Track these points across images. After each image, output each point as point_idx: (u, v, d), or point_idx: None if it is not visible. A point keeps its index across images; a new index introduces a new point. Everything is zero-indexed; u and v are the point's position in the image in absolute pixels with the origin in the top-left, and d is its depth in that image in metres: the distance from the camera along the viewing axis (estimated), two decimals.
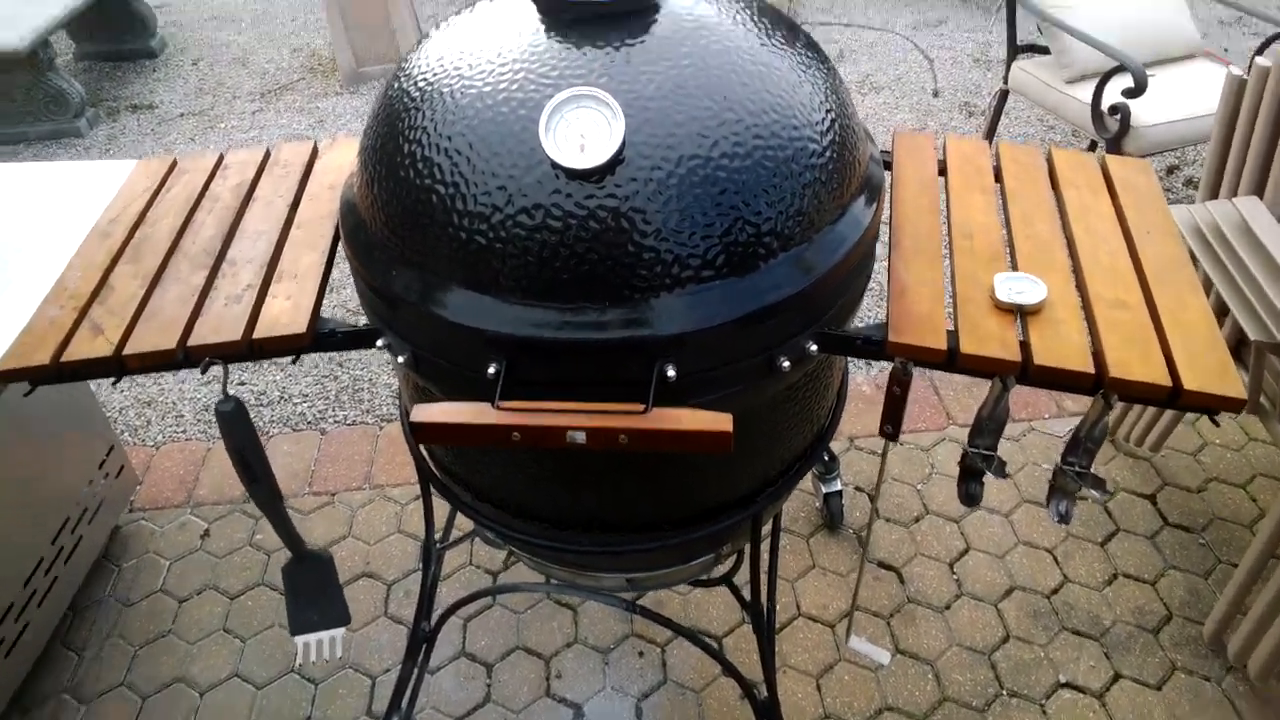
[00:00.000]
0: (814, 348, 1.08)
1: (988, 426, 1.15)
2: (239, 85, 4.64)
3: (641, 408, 0.93)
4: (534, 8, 1.09)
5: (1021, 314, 1.06)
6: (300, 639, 1.48)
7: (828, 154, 1.05)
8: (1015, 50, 3.12)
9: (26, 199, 1.62)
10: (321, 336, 1.16)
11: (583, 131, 0.94)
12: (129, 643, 2.05)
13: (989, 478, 1.18)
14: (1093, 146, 3.46)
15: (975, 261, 1.14)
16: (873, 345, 1.08)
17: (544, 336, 0.98)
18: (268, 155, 1.49)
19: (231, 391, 1.19)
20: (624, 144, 0.94)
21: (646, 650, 2.01)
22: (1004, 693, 1.90)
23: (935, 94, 4.07)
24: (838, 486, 2.22)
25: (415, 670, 1.75)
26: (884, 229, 1.37)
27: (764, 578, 1.48)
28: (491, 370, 1.01)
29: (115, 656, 2.01)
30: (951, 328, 1.07)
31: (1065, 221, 1.21)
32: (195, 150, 4.03)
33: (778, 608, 2.02)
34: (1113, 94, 2.65)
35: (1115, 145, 2.72)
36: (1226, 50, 4.17)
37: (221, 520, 2.34)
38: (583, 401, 1.02)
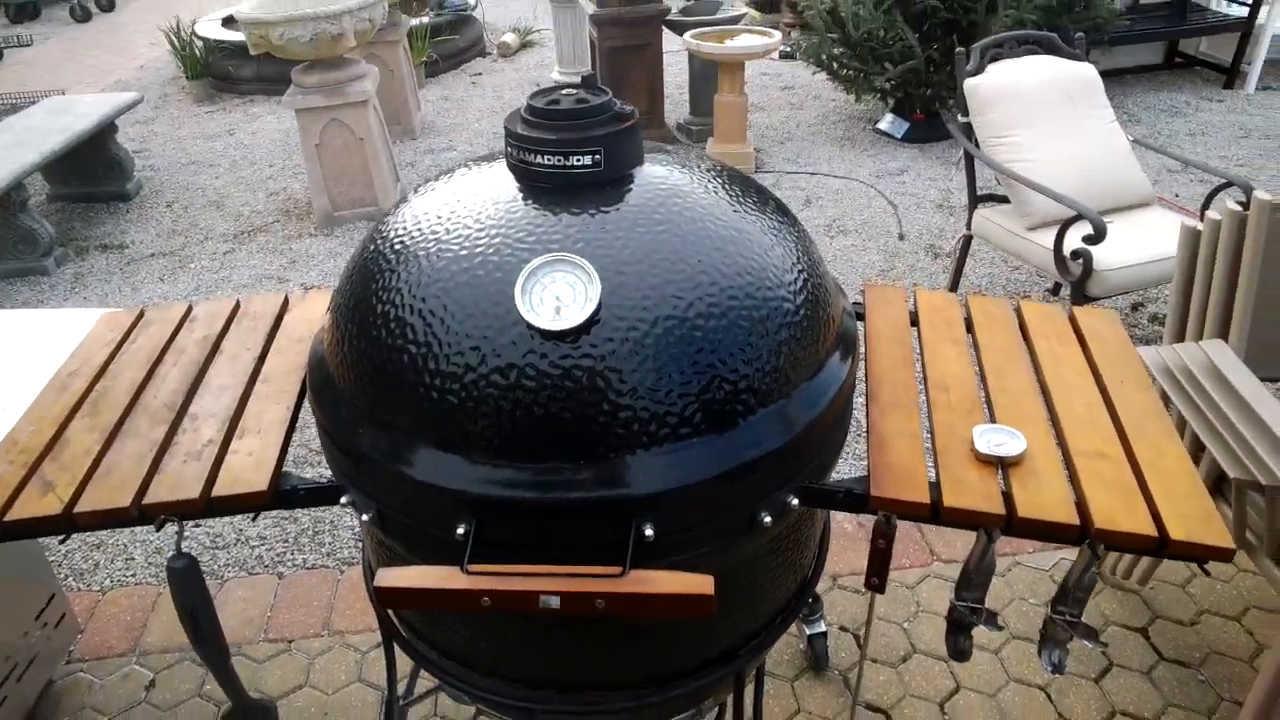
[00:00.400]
0: (795, 502, 1.06)
1: (975, 579, 1.11)
2: (212, 227, 4.70)
3: (619, 570, 0.89)
4: (511, 176, 1.11)
5: (1002, 466, 1.05)
6: None
7: (802, 311, 1.06)
8: (976, 200, 3.26)
9: None
10: (283, 493, 1.11)
11: (558, 294, 0.94)
12: None
13: (979, 628, 1.14)
14: (1057, 288, 3.58)
15: (953, 414, 1.14)
16: (855, 499, 1.05)
17: (516, 497, 0.95)
18: (237, 307, 1.48)
19: (185, 546, 1.13)
20: (600, 306, 0.94)
21: None
22: None
23: (901, 237, 4.22)
24: (822, 628, 2.14)
25: None
26: (860, 379, 1.38)
27: None
28: (460, 531, 0.97)
29: None
30: (933, 479, 1.05)
31: (1039, 372, 1.22)
32: (161, 300, 4.04)
33: None
34: (1074, 240, 2.76)
35: (1079, 287, 2.81)
36: (1178, 196, 4.40)
37: (169, 670, 2.18)
38: (556, 564, 0.98)
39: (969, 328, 1.36)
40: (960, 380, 1.20)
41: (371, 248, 1.11)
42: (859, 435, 2.78)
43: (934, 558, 2.50)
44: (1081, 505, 1.00)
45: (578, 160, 1.05)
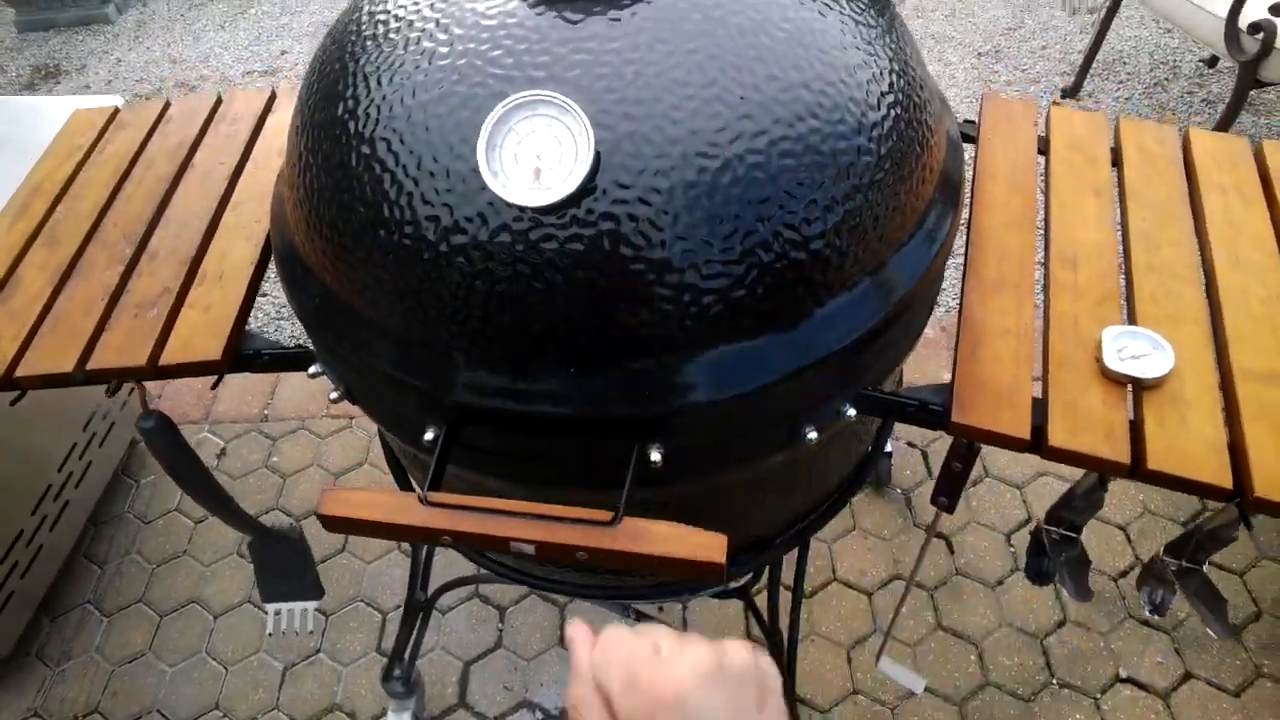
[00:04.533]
0: (851, 412, 0.84)
1: (1075, 505, 0.90)
2: None
3: (609, 517, 0.71)
4: None
5: (1136, 388, 0.79)
6: (271, 607, 1.42)
7: (887, 164, 0.77)
8: None
9: None
10: (243, 358, 0.95)
11: (539, 150, 0.68)
12: (147, 560, 2.00)
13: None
14: (1214, 60, 2.97)
15: (1079, 302, 0.86)
16: (931, 415, 0.82)
17: (488, 405, 0.75)
18: (217, 105, 1.26)
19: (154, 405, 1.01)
20: (595, 167, 0.68)
21: (667, 606, 1.84)
22: (1054, 683, 1.69)
23: None
24: (887, 445, 1.97)
25: (412, 635, 1.62)
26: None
27: (786, 598, 1.27)
28: (429, 436, 0.80)
29: (134, 573, 1.98)
30: (1040, 395, 0.80)
31: (1204, 244, 0.91)
32: (221, 50, 3.80)
33: (811, 571, 1.84)
34: (1256, 8, 2.20)
35: (1251, 69, 2.28)
36: None
37: (238, 440, 2.23)
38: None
39: (1115, 162, 1.03)
40: (1096, 251, 0.91)
41: (328, 49, 0.85)
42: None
43: None
44: (1238, 454, 0.75)
45: None
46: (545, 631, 1.83)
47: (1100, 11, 2.81)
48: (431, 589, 1.51)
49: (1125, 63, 3.12)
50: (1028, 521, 1.92)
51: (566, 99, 0.67)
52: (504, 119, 0.68)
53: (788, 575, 1.31)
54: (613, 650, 0.48)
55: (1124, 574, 1.82)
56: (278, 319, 2.56)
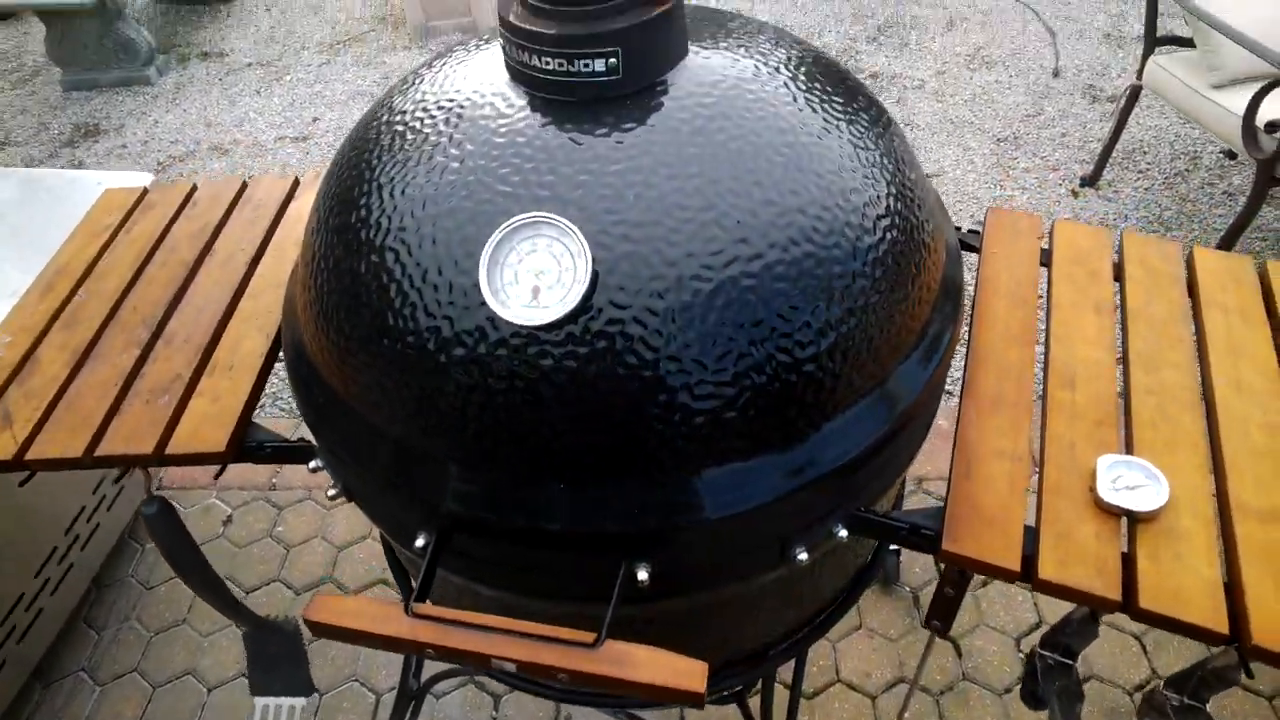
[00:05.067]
0: (843, 533, 0.83)
1: (1074, 630, 0.88)
2: (309, 35, 4.49)
3: (592, 639, 0.71)
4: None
5: (1130, 520, 0.78)
6: (259, 701, 1.38)
7: (881, 289, 0.78)
8: (1154, 42, 2.66)
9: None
10: (246, 450, 0.96)
11: (540, 269, 0.70)
12: (145, 628, 1.99)
13: None
14: (1232, 155, 2.99)
15: (1076, 425, 0.86)
16: (922, 539, 0.82)
17: (480, 516, 0.76)
18: (242, 190, 1.30)
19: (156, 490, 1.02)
20: (592, 287, 0.70)
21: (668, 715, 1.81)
22: None
23: (1056, 73, 3.60)
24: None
25: None
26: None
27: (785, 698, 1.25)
28: (420, 543, 0.80)
29: (131, 640, 1.96)
30: (1032, 523, 0.80)
31: (1205, 367, 0.91)
32: (256, 116, 3.91)
33: (813, 671, 1.79)
34: (1272, 108, 2.22)
35: (1269, 167, 2.29)
36: None
37: (245, 507, 2.23)
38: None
39: (1118, 277, 1.04)
40: (1095, 370, 0.91)
41: (347, 154, 0.88)
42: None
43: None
44: (1235, 595, 0.73)
45: (586, 66, 0.77)
46: None
47: (1120, 100, 2.85)
48: (425, 675, 1.49)
49: (1145, 152, 3.14)
50: (1039, 625, 1.88)
51: (567, 222, 0.69)
52: (507, 238, 0.70)
53: (786, 674, 1.28)
54: None
55: (1140, 688, 1.76)
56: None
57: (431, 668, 1.52)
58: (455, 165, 0.78)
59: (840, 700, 1.78)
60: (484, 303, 0.71)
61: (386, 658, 1.91)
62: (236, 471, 2.32)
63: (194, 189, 1.31)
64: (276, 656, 1.35)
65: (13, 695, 1.77)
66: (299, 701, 1.38)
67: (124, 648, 1.96)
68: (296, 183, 1.30)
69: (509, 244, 0.71)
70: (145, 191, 1.32)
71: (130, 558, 2.13)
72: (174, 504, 2.13)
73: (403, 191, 0.79)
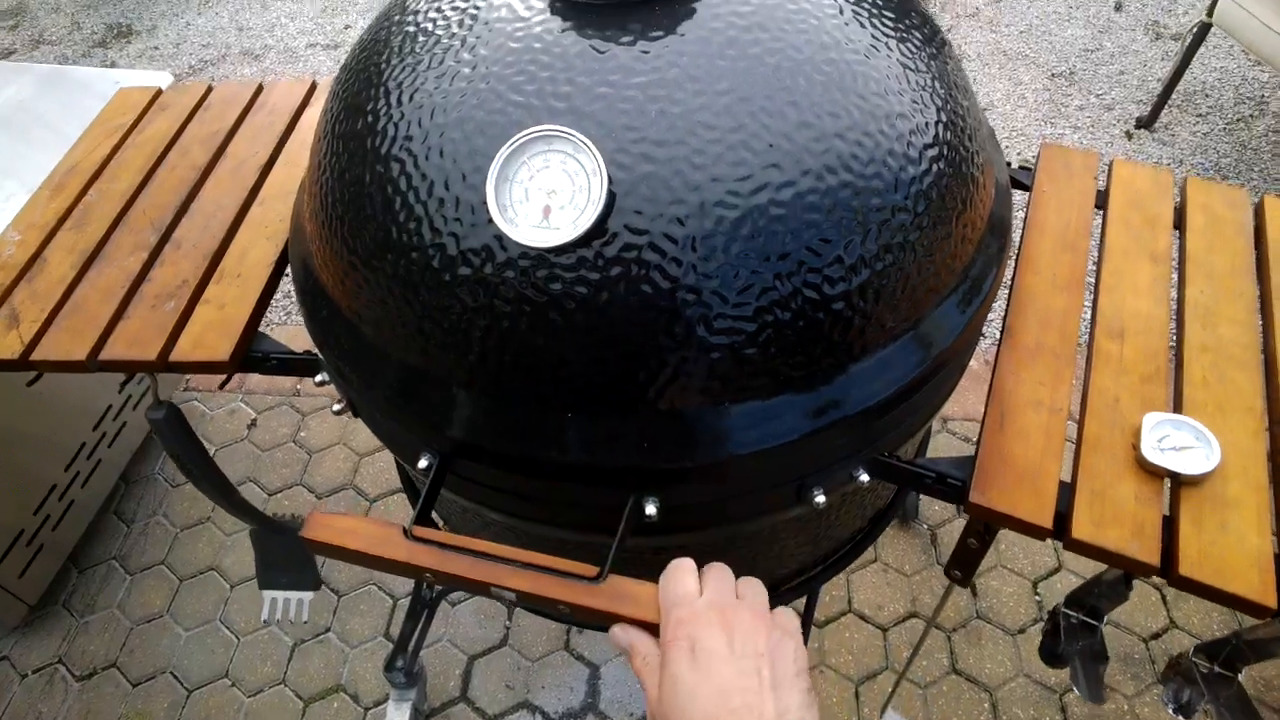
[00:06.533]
0: (864, 477, 0.79)
1: (1102, 590, 0.84)
2: None
3: (595, 573, 0.68)
4: None
5: (1174, 483, 0.74)
6: (267, 594, 1.43)
7: (928, 217, 0.72)
8: None
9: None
10: (251, 360, 0.94)
11: (552, 186, 0.65)
12: (171, 523, 2.05)
13: None
14: None
15: (1121, 379, 0.80)
16: (950, 490, 0.78)
17: (483, 443, 0.73)
18: (258, 92, 1.25)
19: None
20: (607, 208, 0.65)
21: None
22: None
23: (1118, 7, 3.39)
24: None
25: (417, 629, 1.62)
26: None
27: None
28: (423, 464, 0.77)
29: (158, 534, 2.03)
30: (1068, 479, 0.75)
31: (1268, 325, 0.85)
32: (288, 20, 3.82)
33: (826, 600, 1.80)
34: None
35: None
36: None
37: (270, 411, 2.26)
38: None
39: (1178, 225, 0.96)
40: (1146, 324, 0.85)
41: (357, 56, 0.83)
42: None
43: None
44: None
45: None
46: (551, 635, 1.82)
47: (1185, 39, 2.67)
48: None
49: (1208, 95, 2.97)
50: (1058, 570, 1.85)
51: (583, 138, 0.64)
52: (517, 152, 0.65)
53: (798, 602, 1.27)
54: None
55: (1156, 636, 1.74)
56: None
57: None
58: (467, 71, 0.73)
59: (851, 630, 1.79)
60: (491, 220, 0.66)
61: None
62: (262, 375, 2.33)
63: (209, 90, 1.27)
64: (284, 553, 1.37)
65: (50, 577, 1.85)
66: (306, 595, 1.41)
67: (152, 541, 2.02)
68: (314, 87, 1.25)
69: (520, 158, 0.66)
70: (159, 92, 1.28)
71: (157, 455, 2.18)
72: (204, 409, 2.15)
73: (410, 98, 0.74)
